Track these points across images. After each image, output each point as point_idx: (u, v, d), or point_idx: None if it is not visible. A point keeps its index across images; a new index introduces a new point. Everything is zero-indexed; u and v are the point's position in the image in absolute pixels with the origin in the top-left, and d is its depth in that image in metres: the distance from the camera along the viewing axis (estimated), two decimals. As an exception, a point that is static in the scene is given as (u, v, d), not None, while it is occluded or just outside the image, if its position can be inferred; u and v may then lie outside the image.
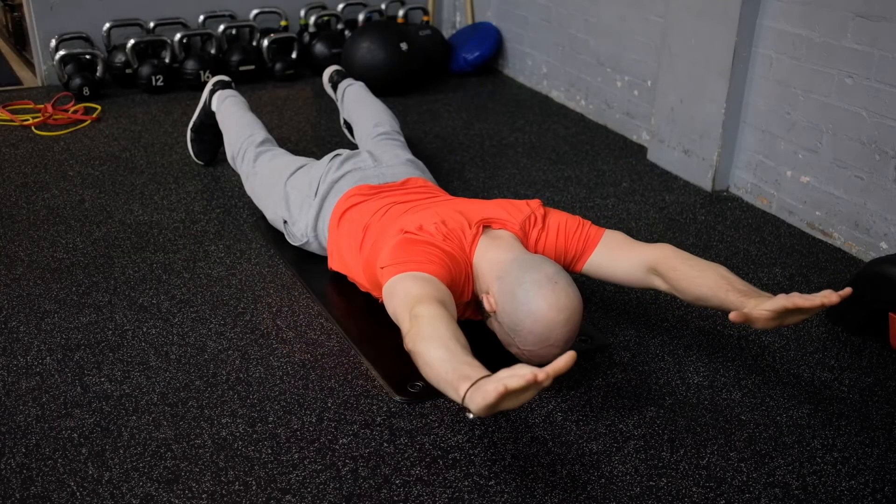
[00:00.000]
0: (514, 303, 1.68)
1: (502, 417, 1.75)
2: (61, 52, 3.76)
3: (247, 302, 2.16)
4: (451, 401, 1.79)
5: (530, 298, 1.66)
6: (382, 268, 1.77)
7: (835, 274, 2.41)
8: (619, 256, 1.90)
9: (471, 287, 1.82)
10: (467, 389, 1.38)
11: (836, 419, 1.79)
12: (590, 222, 1.96)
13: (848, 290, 1.61)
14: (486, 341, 1.86)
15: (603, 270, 1.93)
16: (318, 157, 2.47)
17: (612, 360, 1.97)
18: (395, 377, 1.84)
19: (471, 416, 1.41)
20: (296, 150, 3.07)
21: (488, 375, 1.39)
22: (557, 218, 1.95)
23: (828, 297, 1.59)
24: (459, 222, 1.87)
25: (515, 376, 1.32)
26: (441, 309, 1.58)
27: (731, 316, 1.59)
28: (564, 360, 1.33)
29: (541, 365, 1.79)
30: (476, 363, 1.45)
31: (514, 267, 1.73)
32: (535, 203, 1.97)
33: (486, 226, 1.89)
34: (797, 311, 1.62)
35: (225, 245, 2.46)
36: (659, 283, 1.86)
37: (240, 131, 2.67)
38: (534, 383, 1.32)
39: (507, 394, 1.31)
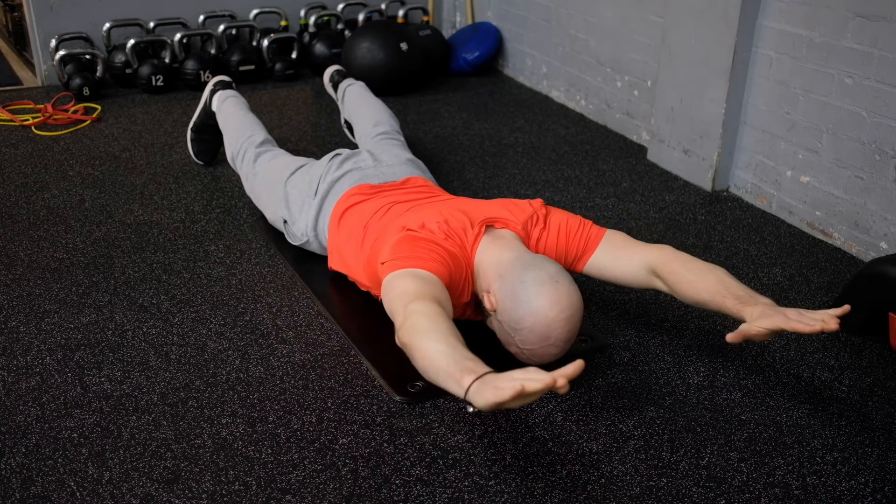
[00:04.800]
0: (516, 301, 1.68)
1: (502, 417, 1.75)
2: (61, 52, 3.76)
3: (247, 302, 2.16)
4: (451, 400, 1.79)
5: (531, 297, 1.66)
6: (383, 263, 1.78)
7: (835, 274, 2.41)
8: (620, 257, 1.91)
9: (470, 287, 1.82)
10: (472, 382, 1.38)
11: (836, 419, 1.79)
12: (591, 222, 1.96)
13: (846, 308, 1.62)
14: (485, 341, 1.86)
15: (604, 271, 1.93)
16: (318, 157, 2.47)
17: (612, 360, 1.97)
18: (395, 377, 1.84)
19: (471, 409, 1.41)
20: (296, 150, 3.07)
21: (492, 371, 1.40)
22: (559, 218, 1.95)
23: (828, 324, 1.57)
24: (461, 221, 1.87)
25: (534, 380, 1.32)
26: (437, 307, 1.58)
27: (728, 337, 1.63)
28: (574, 368, 1.35)
29: (540, 365, 1.80)
30: (477, 359, 1.46)
31: (516, 266, 1.73)
32: (538, 203, 1.97)
33: (489, 225, 1.89)
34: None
35: (225, 245, 2.46)
36: (659, 285, 1.87)
37: (240, 132, 2.67)
38: (551, 388, 1.32)
39: (522, 394, 1.32)
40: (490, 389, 1.35)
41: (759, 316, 1.62)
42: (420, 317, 1.55)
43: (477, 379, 1.39)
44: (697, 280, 1.78)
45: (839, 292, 2.18)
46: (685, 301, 1.82)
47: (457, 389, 1.42)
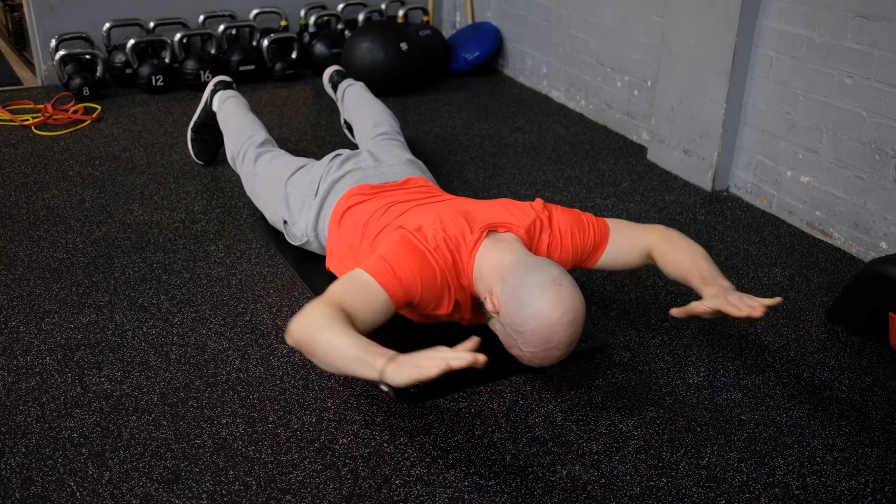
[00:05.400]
0: (518, 304, 1.68)
1: (502, 417, 1.75)
2: (61, 52, 3.76)
3: (247, 302, 2.16)
4: (450, 400, 1.80)
5: (534, 300, 1.66)
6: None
7: (835, 274, 2.41)
8: (626, 248, 1.99)
9: (451, 298, 1.81)
10: (386, 363, 1.51)
11: (836, 419, 1.79)
12: (592, 216, 2.00)
13: (778, 299, 1.74)
14: (485, 341, 1.86)
15: (613, 263, 2.01)
16: (319, 157, 2.47)
17: (612, 360, 1.97)
18: (395, 377, 1.83)
19: (385, 388, 1.56)
20: (296, 150, 3.07)
21: (399, 354, 1.53)
22: (565, 219, 1.96)
23: (754, 310, 1.69)
24: (460, 226, 1.86)
25: (458, 358, 1.46)
26: (340, 314, 1.64)
27: (673, 311, 1.77)
28: (472, 342, 1.52)
29: (542, 367, 1.80)
30: (381, 346, 1.56)
31: (518, 268, 1.72)
32: (538, 205, 1.97)
33: (491, 230, 1.89)
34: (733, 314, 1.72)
35: (225, 245, 2.46)
36: (651, 262, 2.00)
37: (240, 132, 2.67)
38: (473, 365, 1.45)
39: (446, 372, 1.45)
40: (410, 367, 1.48)
41: (711, 296, 1.76)
42: (320, 317, 1.63)
43: (391, 360, 1.51)
44: (676, 259, 1.93)
45: (839, 292, 2.18)
46: (667, 276, 1.96)
47: (370, 373, 1.53)
